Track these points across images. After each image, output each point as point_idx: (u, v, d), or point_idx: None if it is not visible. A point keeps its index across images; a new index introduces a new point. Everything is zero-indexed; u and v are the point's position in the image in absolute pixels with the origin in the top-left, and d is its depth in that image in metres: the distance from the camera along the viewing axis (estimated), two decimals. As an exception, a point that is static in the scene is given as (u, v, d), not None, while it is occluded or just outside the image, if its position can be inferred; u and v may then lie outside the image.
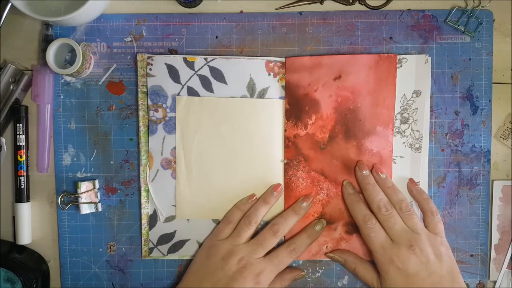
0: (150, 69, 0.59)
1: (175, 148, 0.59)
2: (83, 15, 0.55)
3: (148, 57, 0.59)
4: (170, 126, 0.59)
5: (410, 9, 0.60)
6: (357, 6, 0.60)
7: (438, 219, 0.56)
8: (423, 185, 0.60)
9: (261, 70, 0.59)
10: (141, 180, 0.60)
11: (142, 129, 0.59)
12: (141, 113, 0.59)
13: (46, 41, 0.57)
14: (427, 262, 0.53)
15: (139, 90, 0.59)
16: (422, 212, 0.58)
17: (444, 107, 0.60)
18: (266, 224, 0.59)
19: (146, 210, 0.60)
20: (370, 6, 0.60)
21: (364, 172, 0.58)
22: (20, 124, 0.58)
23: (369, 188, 0.57)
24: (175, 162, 0.59)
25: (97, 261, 0.61)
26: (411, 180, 0.59)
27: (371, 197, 0.57)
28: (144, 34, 0.59)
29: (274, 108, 0.59)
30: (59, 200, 0.59)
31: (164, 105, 0.59)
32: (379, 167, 0.58)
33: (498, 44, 0.60)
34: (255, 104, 0.59)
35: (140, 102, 0.59)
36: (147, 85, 0.59)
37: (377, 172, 0.58)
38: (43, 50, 0.57)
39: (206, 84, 0.59)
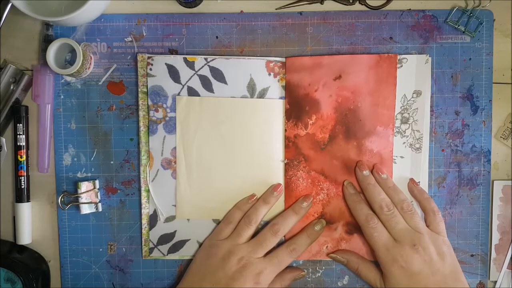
0: (150, 69, 0.59)
1: (175, 148, 0.59)
2: (83, 15, 0.55)
3: (148, 57, 0.58)
4: (171, 126, 0.59)
5: (410, 9, 0.60)
6: (357, 6, 0.60)
7: (439, 218, 0.57)
8: (424, 185, 0.60)
9: (261, 70, 0.59)
10: (141, 180, 0.60)
11: (143, 129, 0.59)
12: (141, 113, 0.59)
13: (46, 41, 0.57)
14: (430, 261, 0.53)
15: (139, 90, 0.59)
16: (424, 211, 0.58)
17: (445, 107, 0.60)
18: (266, 224, 0.59)
19: (146, 210, 0.60)
20: (370, 6, 0.60)
21: (365, 172, 0.58)
22: (20, 124, 0.58)
23: (370, 188, 0.57)
24: (175, 162, 0.59)
25: (98, 261, 0.61)
26: (411, 180, 0.59)
27: (373, 197, 0.57)
28: (144, 34, 0.59)
29: (274, 108, 0.59)
30: (59, 200, 0.59)
31: (164, 105, 0.59)
32: (379, 168, 0.58)
33: (498, 44, 0.60)
34: (255, 104, 0.59)
35: (140, 102, 0.59)
36: (147, 85, 0.59)
37: (377, 173, 0.58)
38: (43, 50, 0.57)
39: (206, 84, 0.59)
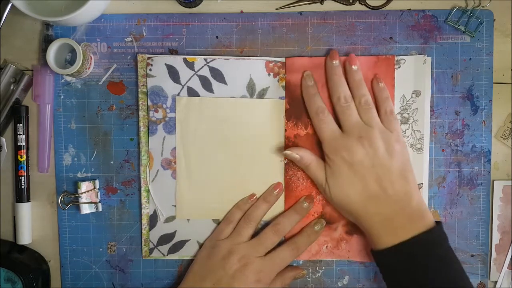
0: (150, 70, 0.58)
1: (175, 148, 0.59)
2: (84, 15, 0.55)
3: (148, 58, 0.58)
4: (170, 127, 0.59)
5: (410, 9, 0.60)
6: (357, 6, 0.60)
7: (393, 117, 0.56)
8: (424, 185, 0.60)
9: (261, 70, 0.59)
10: (141, 180, 0.60)
11: (142, 129, 0.59)
12: (141, 114, 0.59)
13: (47, 41, 0.57)
14: (373, 154, 0.53)
15: (139, 90, 0.59)
16: (378, 110, 0.57)
17: (445, 107, 0.60)
18: (266, 224, 0.59)
19: (146, 210, 0.60)
20: (370, 6, 0.60)
21: (334, 62, 0.57)
22: (21, 124, 0.59)
23: (335, 78, 0.56)
24: (175, 163, 0.59)
25: (98, 261, 0.61)
26: (376, 76, 0.58)
27: (335, 87, 0.56)
28: (144, 34, 0.59)
29: (274, 108, 0.59)
30: (59, 200, 0.60)
31: (164, 106, 0.59)
32: (354, 59, 0.57)
33: (498, 44, 0.60)
34: (255, 104, 0.59)
35: (140, 103, 0.59)
36: (147, 86, 0.59)
37: (350, 63, 0.57)
38: (43, 50, 0.58)
39: (206, 84, 0.59)
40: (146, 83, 0.59)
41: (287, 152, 0.57)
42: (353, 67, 0.57)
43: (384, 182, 0.53)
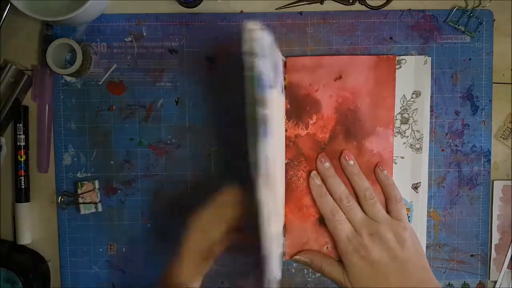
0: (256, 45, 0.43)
1: (266, 156, 0.46)
2: (84, 15, 0.55)
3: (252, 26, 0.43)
4: (265, 128, 0.45)
5: (410, 9, 0.60)
6: (357, 6, 0.60)
7: (401, 205, 0.57)
8: (424, 185, 0.60)
9: (281, 65, 0.56)
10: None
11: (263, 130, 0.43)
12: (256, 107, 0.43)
13: (46, 41, 0.57)
14: (387, 248, 0.54)
15: (246, 74, 0.44)
16: (386, 198, 0.58)
17: (445, 107, 0.60)
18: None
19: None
20: (370, 6, 0.60)
21: (326, 164, 0.58)
22: (20, 124, 0.58)
23: (331, 180, 0.58)
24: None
25: (97, 261, 0.61)
26: (377, 164, 0.59)
27: (333, 189, 0.57)
28: (144, 34, 0.59)
29: (278, 107, 0.58)
30: (59, 200, 0.59)
31: (265, 99, 0.45)
32: (348, 154, 0.58)
33: (498, 44, 0.60)
34: (278, 100, 0.54)
35: (249, 91, 0.43)
36: (255, 68, 0.44)
37: (345, 159, 0.58)
38: (43, 50, 0.57)
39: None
40: (254, 65, 0.43)
41: (297, 257, 0.58)
42: (350, 162, 0.58)
43: (405, 274, 0.54)
